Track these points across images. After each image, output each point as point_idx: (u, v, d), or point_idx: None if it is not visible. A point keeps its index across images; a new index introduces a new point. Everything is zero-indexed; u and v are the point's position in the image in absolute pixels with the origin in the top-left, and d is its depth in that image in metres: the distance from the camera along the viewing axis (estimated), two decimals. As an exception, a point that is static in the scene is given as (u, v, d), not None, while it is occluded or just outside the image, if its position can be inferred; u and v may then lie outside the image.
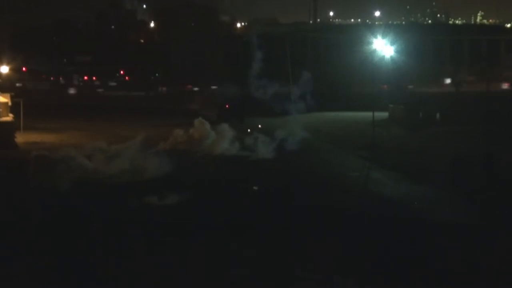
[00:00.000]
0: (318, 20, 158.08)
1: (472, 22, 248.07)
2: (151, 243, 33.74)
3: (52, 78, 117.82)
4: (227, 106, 79.00)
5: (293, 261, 31.49)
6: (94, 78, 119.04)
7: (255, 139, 60.08)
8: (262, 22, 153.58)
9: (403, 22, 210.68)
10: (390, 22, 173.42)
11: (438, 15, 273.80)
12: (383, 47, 71.26)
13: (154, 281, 29.00)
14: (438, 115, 76.95)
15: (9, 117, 65.95)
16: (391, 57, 72.36)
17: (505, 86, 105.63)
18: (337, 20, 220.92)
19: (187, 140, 61.49)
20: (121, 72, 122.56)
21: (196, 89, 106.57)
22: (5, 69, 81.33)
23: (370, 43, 72.33)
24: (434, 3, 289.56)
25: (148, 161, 50.56)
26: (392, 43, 72.58)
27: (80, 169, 48.05)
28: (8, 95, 68.84)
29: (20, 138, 64.11)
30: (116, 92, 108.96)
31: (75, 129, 72.37)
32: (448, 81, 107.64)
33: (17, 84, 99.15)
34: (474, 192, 43.90)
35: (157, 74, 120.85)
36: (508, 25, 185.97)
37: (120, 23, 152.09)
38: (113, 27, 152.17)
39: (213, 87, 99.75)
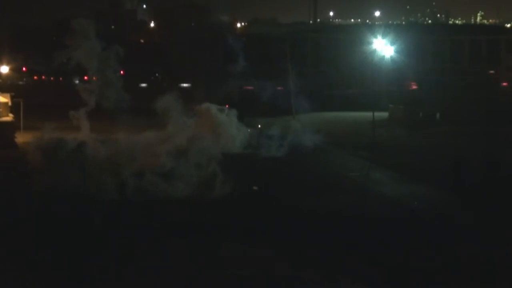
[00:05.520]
0: (318, 20, 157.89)
1: (472, 22, 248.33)
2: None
3: (52, 78, 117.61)
4: (226, 106, 78.88)
5: (293, 261, 31.51)
6: (94, 78, 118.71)
7: (257, 138, 60.38)
8: (262, 22, 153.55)
9: (403, 22, 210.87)
10: (390, 22, 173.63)
11: (438, 15, 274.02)
12: (383, 47, 71.28)
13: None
14: (438, 115, 76.95)
15: (9, 117, 65.95)
16: (391, 57, 72.42)
17: (503, 85, 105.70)
18: (337, 20, 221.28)
19: (202, 132, 62.05)
20: (121, 72, 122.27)
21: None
22: (5, 69, 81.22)
23: (370, 43, 72.35)
24: (434, 3, 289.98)
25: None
26: (392, 43, 72.62)
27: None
28: (8, 95, 68.80)
29: (20, 138, 64.02)
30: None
31: (75, 129, 71.94)
32: None
33: (20, 82, 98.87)
34: (474, 192, 43.93)
35: (157, 74, 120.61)
36: (508, 25, 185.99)
37: (120, 23, 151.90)
38: (113, 27, 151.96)
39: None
